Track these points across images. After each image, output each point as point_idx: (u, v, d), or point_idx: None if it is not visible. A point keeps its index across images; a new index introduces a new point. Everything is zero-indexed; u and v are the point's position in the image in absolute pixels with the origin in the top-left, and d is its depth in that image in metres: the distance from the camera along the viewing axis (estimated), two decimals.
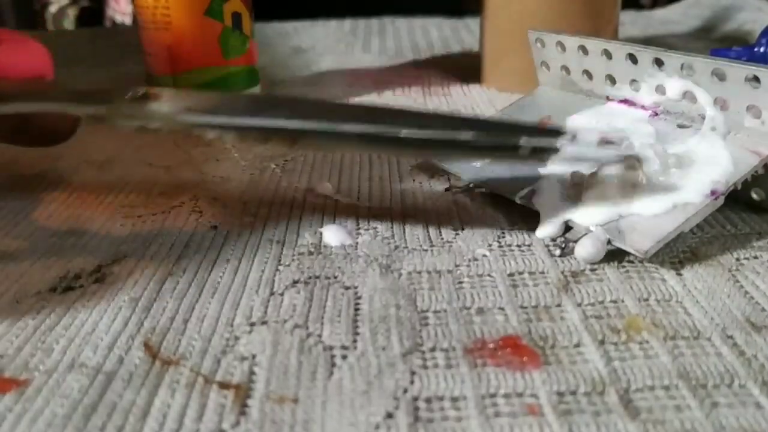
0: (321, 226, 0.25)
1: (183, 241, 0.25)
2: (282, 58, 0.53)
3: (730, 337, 0.19)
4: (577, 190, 0.24)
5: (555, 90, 0.32)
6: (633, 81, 0.28)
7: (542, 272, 0.22)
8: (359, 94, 0.43)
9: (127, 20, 0.94)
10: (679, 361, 0.18)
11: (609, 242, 0.22)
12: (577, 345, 0.19)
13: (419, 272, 0.22)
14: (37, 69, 0.30)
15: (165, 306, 0.21)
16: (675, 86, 0.26)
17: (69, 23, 1.01)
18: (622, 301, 0.20)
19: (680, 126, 0.26)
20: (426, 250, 0.24)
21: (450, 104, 0.40)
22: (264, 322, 0.20)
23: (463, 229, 0.25)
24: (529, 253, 0.23)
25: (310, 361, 0.18)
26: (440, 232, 0.25)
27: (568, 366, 0.18)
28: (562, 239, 0.24)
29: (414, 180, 0.29)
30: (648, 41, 0.44)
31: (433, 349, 0.18)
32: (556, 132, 0.22)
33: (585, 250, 0.22)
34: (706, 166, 0.24)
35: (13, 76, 0.28)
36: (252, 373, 0.18)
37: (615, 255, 0.23)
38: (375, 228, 0.25)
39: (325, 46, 0.58)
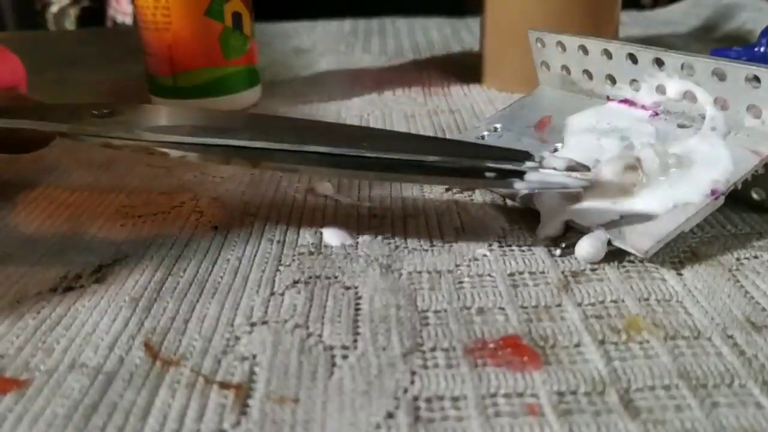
0: (321, 226, 0.25)
1: (183, 242, 0.25)
2: (282, 59, 0.53)
3: (731, 336, 0.19)
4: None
5: (555, 90, 0.32)
6: (633, 81, 0.28)
7: (542, 272, 0.22)
8: (359, 95, 0.43)
9: (128, 20, 0.94)
10: (679, 360, 0.18)
11: (609, 242, 0.22)
12: (578, 345, 0.19)
13: (419, 272, 0.22)
14: (10, 80, 0.30)
15: (165, 306, 0.21)
16: (675, 86, 0.26)
17: (70, 23, 1.01)
18: (623, 301, 0.20)
19: (680, 126, 0.26)
20: (426, 250, 0.24)
21: (450, 104, 0.40)
22: (264, 322, 0.20)
23: (463, 229, 0.25)
24: (529, 253, 0.23)
25: (310, 361, 0.18)
26: (441, 232, 0.25)
27: (569, 366, 0.18)
28: (563, 239, 0.24)
29: None
30: (648, 41, 0.44)
31: (433, 349, 0.18)
32: (523, 155, 0.22)
33: (585, 250, 0.22)
34: (707, 166, 0.24)
35: None
36: (252, 373, 0.18)
37: (615, 255, 0.23)
38: (375, 228, 0.25)
39: (326, 46, 0.58)
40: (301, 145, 0.22)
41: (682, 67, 0.25)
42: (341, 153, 0.22)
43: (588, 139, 0.27)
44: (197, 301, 0.21)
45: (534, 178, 0.22)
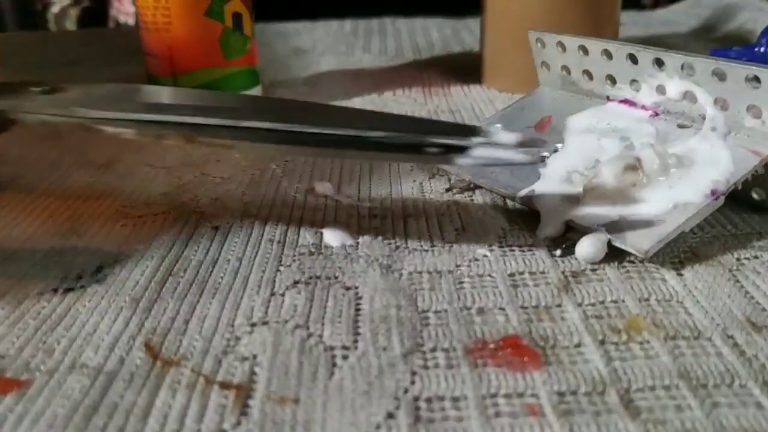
0: (322, 227, 0.25)
1: (184, 242, 0.25)
2: (282, 59, 0.53)
3: (731, 337, 0.19)
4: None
5: (555, 90, 0.32)
6: (633, 81, 0.28)
7: (543, 272, 0.22)
8: (359, 95, 0.43)
9: (131, 21, 0.94)
10: (679, 361, 0.18)
11: (609, 242, 0.23)
12: (578, 345, 0.19)
13: (420, 272, 0.22)
14: None
15: (166, 306, 0.21)
16: (675, 86, 0.26)
17: (71, 23, 1.01)
18: (623, 301, 0.20)
19: (680, 126, 0.26)
20: (427, 251, 0.24)
21: (450, 104, 0.40)
22: (265, 323, 0.20)
23: (463, 230, 0.25)
24: (529, 254, 0.23)
25: (311, 361, 0.18)
26: (441, 232, 0.25)
27: (569, 366, 0.18)
28: (563, 239, 0.24)
29: (414, 180, 0.29)
30: (648, 41, 0.44)
31: (433, 350, 0.18)
32: (471, 130, 0.21)
33: (585, 250, 0.22)
34: (707, 166, 0.24)
35: None
36: (253, 373, 0.18)
37: (615, 255, 0.23)
38: (376, 228, 0.25)
39: (326, 47, 0.58)
40: (236, 120, 0.22)
41: (683, 67, 0.25)
42: (278, 128, 0.21)
43: (588, 139, 0.27)
44: (198, 301, 0.21)
45: (479, 153, 0.21)
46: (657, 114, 0.27)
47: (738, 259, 0.22)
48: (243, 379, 0.18)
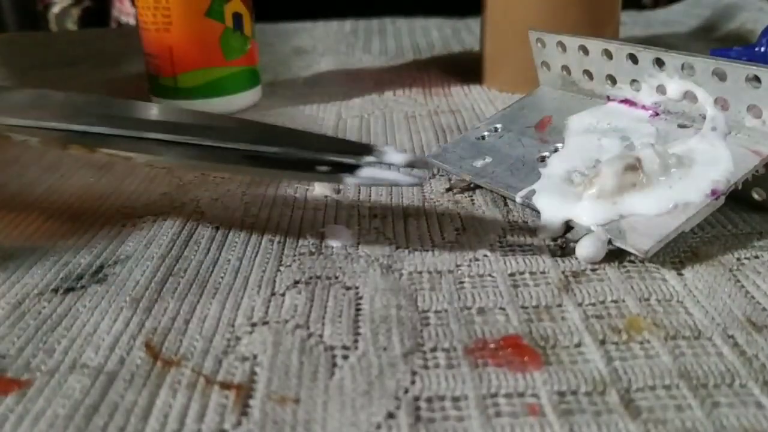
0: (322, 227, 0.25)
1: (184, 242, 0.25)
2: (283, 59, 0.53)
3: (731, 336, 0.19)
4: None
5: (555, 90, 0.32)
6: (633, 81, 0.28)
7: (543, 272, 0.22)
8: (360, 95, 0.43)
9: (132, 21, 0.94)
10: (680, 360, 0.18)
11: (610, 242, 0.23)
12: (578, 345, 0.19)
13: (420, 272, 0.22)
14: None
15: (166, 306, 0.21)
16: (675, 86, 0.26)
17: (72, 23, 1.01)
18: (623, 301, 0.20)
19: (681, 126, 0.26)
20: (427, 251, 0.24)
21: (451, 104, 0.40)
22: (265, 323, 0.20)
23: (464, 230, 0.25)
24: (530, 253, 0.23)
25: (311, 361, 0.18)
26: (441, 232, 0.25)
27: (569, 366, 0.18)
28: (563, 239, 0.24)
29: None
30: (649, 41, 0.44)
31: (434, 349, 0.18)
32: (364, 148, 0.21)
33: (586, 250, 0.22)
34: (707, 166, 0.24)
35: None
36: (253, 373, 0.18)
37: (616, 255, 0.23)
38: (376, 228, 0.25)
39: (326, 47, 0.58)
40: (136, 131, 0.22)
41: (683, 67, 0.25)
42: (175, 141, 0.22)
43: (588, 139, 0.27)
44: (198, 301, 0.21)
45: (366, 174, 0.21)
46: (657, 114, 0.27)
47: (738, 259, 0.22)
48: (243, 379, 0.18)
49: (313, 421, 0.16)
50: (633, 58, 0.27)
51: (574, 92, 0.31)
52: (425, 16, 0.69)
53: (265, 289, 0.22)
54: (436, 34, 0.62)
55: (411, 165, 0.21)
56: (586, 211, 0.24)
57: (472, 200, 0.27)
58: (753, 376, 0.17)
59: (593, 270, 0.22)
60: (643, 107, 0.28)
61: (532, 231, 0.24)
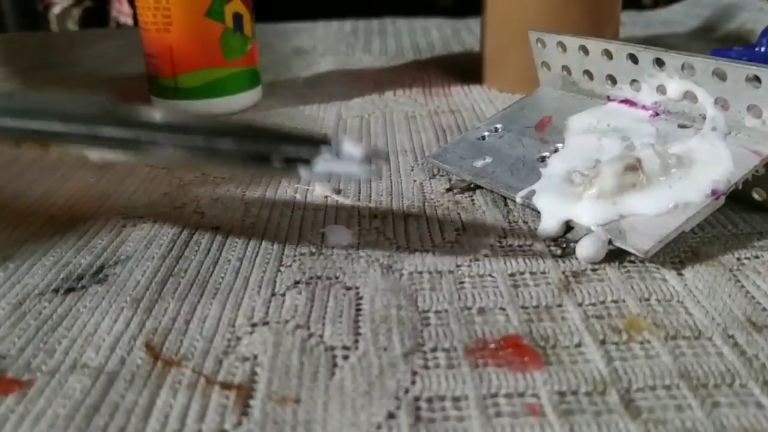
0: (322, 227, 0.25)
1: (184, 242, 0.25)
2: (283, 59, 0.53)
3: (731, 336, 0.19)
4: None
5: (556, 90, 0.32)
6: (634, 81, 0.28)
7: (543, 272, 0.22)
8: (360, 95, 0.43)
9: (131, 21, 0.94)
10: (680, 360, 0.18)
11: (610, 242, 0.23)
12: (578, 345, 0.19)
13: (420, 272, 0.22)
14: None
15: (167, 307, 0.21)
16: (676, 86, 0.26)
17: (72, 24, 1.01)
18: (623, 301, 0.20)
19: (681, 126, 0.26)
20: (427, 251, 0.24)
21: (451, 104, 0.40)
22: (266, 323, 0.20)
23: (464, 230, 0.25)
24: (530, 254, 0.23)
25: (311, 361, 0.18)
26: (441, 232, 0.25)
27: (569, 366, 0.18)
28: (563, 239, 0.24)
29: (415, 180, 0.29)
30: (649, 41, 0.44)
31: (434, 350, 0.18)
32: (320, 141, 0.21)
33: (586, 250, 0.22)
34: (707, 166, 0.24)
35: None
36: (254, 373, 0.18)
37: (616, 255, 0.23)
38: (376, 228, 0.25)
39: (326, 47, 0.58)
40: (95, 127, 0.22)
41: (683, 67, 0.25)
42: (133, 138, 0.22)
43: (589, 139, 0.27)
44: (198, 301, 0.21)
45: (321, 167, 0.21)
46: (657, 114, 0.27)
47: (738, 259, 0.22)
48: (244, 379, 0.18)
49: (314, 421, 0.16)
50: (633, 58, 0.27)
51: (574, 92, 0.31)
52: (425, 16, 0.69)
53: (265, 289, 0.22)
54: (436, 34, 0.62)
55: (368, 158, 0.21)
56: (587, 212, 0.24)
57: (473, 200, 0.27)
58: (753, 376, 0.17)
59: (593, 270, 0.22)
60: (644, 107, 0.28)
61: (533, 231, 0.24)
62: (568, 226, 0.24)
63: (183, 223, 0.26)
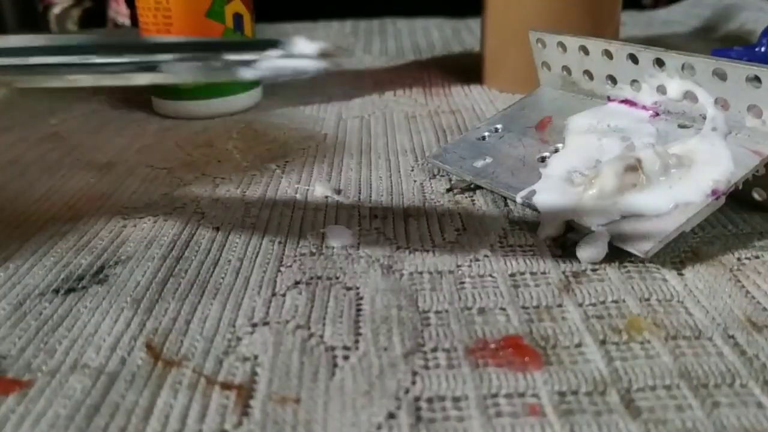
0: (322, 227, 0.25)
1: (185, 243, 0.25)
2: None
3: (732, 336, 0.19)
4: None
5: (556, 90, 0.32)
6: (634, 81, 0.28)
7: (543, 272, 0.22)
8: (360, 95, 0.43)
9: (128, 22, 0.94)
10: (680, 360, 0.18)
11: (610, 242, 0.23)
12: (579, 345, 0.19)
13: (421, 273, 0.22)
14: None
15: (167, 307, 0.21)
16: (676, 86, 0.26)
17: (72, 24, 1.01)
18: (624, 301, 0.20)
19: (681, 126, 0.26)
20: (427, 251, 0.24)
21: (451, 104, 0.40)
22: (266, 323, 0.20)
23: (464, 230, 0.25)
24: (530, 254, 0.23)
25: (312, 361, 0.18)
26: (442, 232, 0.25)
27: (570, 366, 0.18)
28: (564, 239, 0.24)
29: (415, 180, 0.29)
30: (649, 41, 0.44)
31: (434, 350, 0.19)
32: (267, 44, 0.20)
33: (586, 250, 0.22)
34: (707, 166, 0.24)
35: None
36: (254, 373, 0.18)
37: (616, 255, 0.23)
38: (376, 228, 0.25)
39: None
40: (22, 59, 0.21)
41: (683, 67, 0.25)
42: (65, 63, 0.21)
43: (589, 139, 0.27)
44: (199, 302, 0.21)
45: (265, 65, 0.19)
46: (657, 114, 0.27)
47: (739, 259, 0.22)
48: (244, 379, 0.18)
49: (314, 422, 0.16)
50: (633, 59, 0.27)
51: (574, 92, 0.31)
52: (425, 16, 0.69)
53: (265, 289, 0.22)
54: (437, 35, 0.62)
55: (323, 54, 0.19)
56: (587, 212, 0.24)
57: (473, 200, 0.27)
58: (753, 376, 0.17)
59: (594, 270, 0.22)
60: (644, 107, 0.28)
61: (533, 231, 0.24)
62: (569, 226, 0.24)
63: (183, 223, 0.26)
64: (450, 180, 0.29)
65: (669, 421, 0.16)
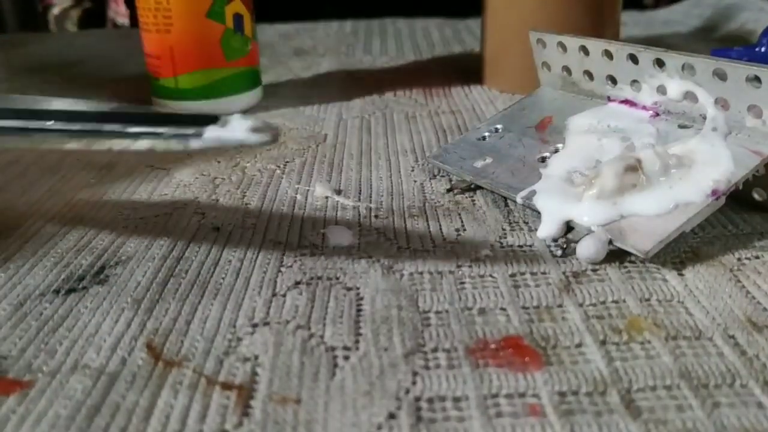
0: (323, 227, 0.25)
1: (185, 243, 0.25)
2: (283, 60, 0.53)
3: (732, 337, 0.19)
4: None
5: (556, 91, 0.32)
6: (634, 81, 0.28)
7: (544, 273, 0.22)
8: (360, 95, 0.43)
9: (128, 22, 0.94)
10: (680, 361, 0.18)
11: (610, 242, 0.23)
12: (579, 345, 0.19)
13: (421, 273, 0.22)
14: None
15: (167, 307, 0.21)
16: (676, 86, 0.26)
17: (72, 25, 1.01)
18: (624, 302, 0.20)
19: (681, 126, 0.26)
20: (428, 251, 0.24)
21: (451, 105, 0.40)
22: (266, 323, 0.20)
23: (464, 230, 0.25)
24: (530, 254, 0.23)
25: (312, 361, 0.18)
26: (442, 232, 0.25)
27: (570, 366, 0.18)
28: (564, 239, 0.24)
29: (415, 180, 0.29)
30: (649, 41, 0.44)
31: (435, 350, 0.19)
32: (208, 120, 0.21)
33: (586, 250, 0.22)
34: (707, 166, 0.24)
35: None
36: (254, 373, 0.18)
37: (616, 255, 0.23)
38: (376, 229, 0.25)
39: (327, 48, 0.58)
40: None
41: (683, 67, 0.25)
42: (22, 127, 0.22)
43: (589, 139, 0.27)
44: (199, 302, 0.21)
45: (210, 135, 0.21)
46: (658, 114, 0.27)
47: (739, 259, 0.22)
48: (245, 379, 0.18)
49: (315, 422, 0.16)
50: (633, 59, 0.27)
51: (574, 93, 0.31)
52: (425, 16, 0.69)
53: (266, 289, 0.22)
54: (437, 35, 0.62)
55: (256, 130, 0.21)
56: (587, 212, 0.24)
57: (473, 201, 0.27)
58: (754, 376, 0.17)
59: (594, 270, 0.22)
60: (644, 108, 0.28)
61: (533, 232, 0.24)
62: (569, 227, 0.24)
63: (184, 223, 0.26)
64: (450, 180, 0.29)
65: (669, 421, 0.16)
